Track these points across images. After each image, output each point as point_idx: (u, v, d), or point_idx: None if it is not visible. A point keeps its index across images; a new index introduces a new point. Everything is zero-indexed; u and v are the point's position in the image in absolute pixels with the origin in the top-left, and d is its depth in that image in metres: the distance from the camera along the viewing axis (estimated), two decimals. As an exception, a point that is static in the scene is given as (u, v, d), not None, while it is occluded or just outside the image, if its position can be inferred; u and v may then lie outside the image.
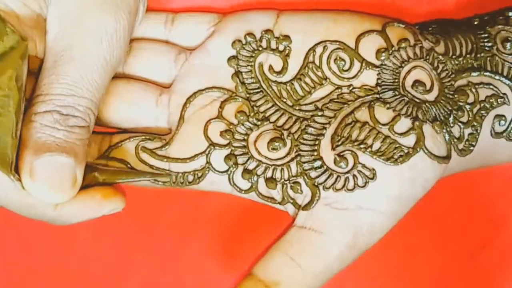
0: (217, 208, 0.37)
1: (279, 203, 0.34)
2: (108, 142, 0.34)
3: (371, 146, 0.33)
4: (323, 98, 0.34)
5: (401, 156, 0.33)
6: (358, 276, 0.34)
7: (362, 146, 0.33)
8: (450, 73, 0.35)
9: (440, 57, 0.35)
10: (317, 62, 0.35)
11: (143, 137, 0.34)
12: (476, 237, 0.37)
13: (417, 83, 0.34)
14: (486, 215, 0.37)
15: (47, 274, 0.36)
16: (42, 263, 0.36)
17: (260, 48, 0.35)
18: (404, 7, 0.38)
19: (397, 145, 0.33)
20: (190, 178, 0.33)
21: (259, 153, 0.34)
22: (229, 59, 0.35)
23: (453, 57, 0.35)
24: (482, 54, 0.35)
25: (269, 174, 0.33)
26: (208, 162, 0.33)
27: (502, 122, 0.35)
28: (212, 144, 0.34)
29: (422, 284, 0.36)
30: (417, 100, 0.34)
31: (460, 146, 0.34)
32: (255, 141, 0.34)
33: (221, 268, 0.36)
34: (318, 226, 0.32)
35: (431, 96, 0.34)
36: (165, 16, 0.36)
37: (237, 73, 0.35)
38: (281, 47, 0.35)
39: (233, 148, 0.34)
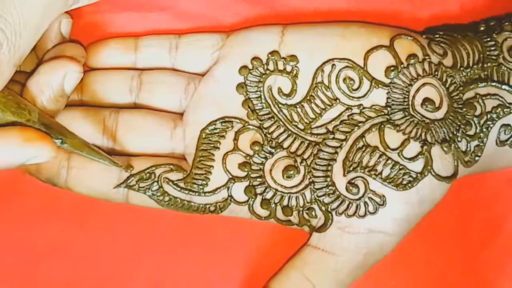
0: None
1: (296, 225, 0.35)
2: (127, 165, 0.34)
3: (381, 172, 0.34)
4: (333, 119, 0.35)
5: (409, 181, 0.34)
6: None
7: (372, 172, 0.34)
8: (458, 85, 0.35)
9: (449, 70, 0.35)
10: (326, 82, 0.35)
11: (166, 167, 0.35)
12: (475, 237, 0.38)
13: (426, 101, 0.35)
14: (485, 215, 0.38)
15: (46, 277, 0.37)
16: (41, 267, 0.37)
17: (268, 72, 0.36)
18: (408, 12, 0.37)
19: (406, 171, 0.34)
20: (212, 208, 0.35)
21: (275, 182, 0.35)
22: (238, 86, 0.35)
23: (461, 68, 0.35)
24: (488, 64, 0.36)
25: (285, 202, 0.35)
26: (230, 195, 0.35)
27: (508, 131, 0.35)
28: (233, 178, 0.35)
29: (421, 284, 0.38)
30: (427, 120, 0.35)
31: (466, 158, 0.35)
32: (271, 169, 0.35)
33: (224, 274, 0.38)
34: (331, 248, 0.34)
35: (440, 113, 0.35)
36: (169, 43, 0.37)
37: (247, 101, 0.35)
38: (288, 68, 0.35)
39: (251, 179, 0.35)
